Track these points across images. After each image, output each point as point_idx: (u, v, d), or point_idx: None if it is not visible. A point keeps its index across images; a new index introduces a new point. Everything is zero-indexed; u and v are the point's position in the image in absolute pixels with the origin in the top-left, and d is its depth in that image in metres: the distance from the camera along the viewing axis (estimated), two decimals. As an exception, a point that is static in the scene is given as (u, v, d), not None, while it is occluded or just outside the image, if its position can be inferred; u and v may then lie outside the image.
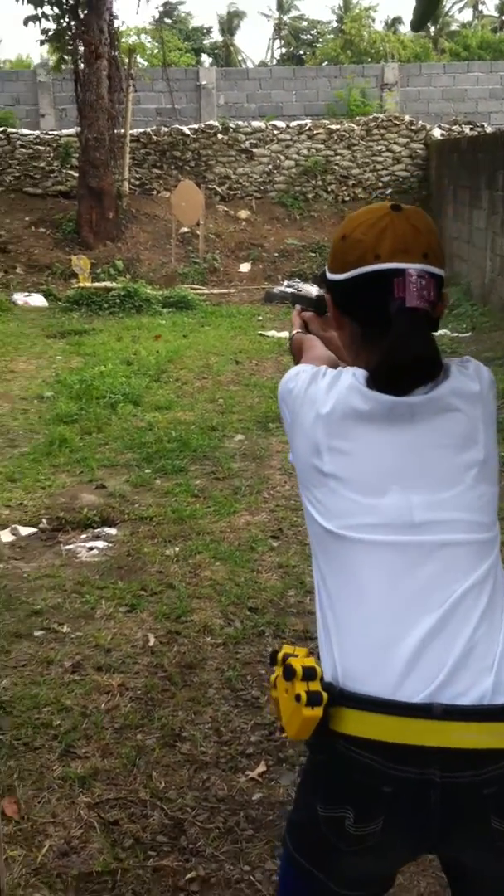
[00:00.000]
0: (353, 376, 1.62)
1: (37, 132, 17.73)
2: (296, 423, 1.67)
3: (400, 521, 1.55)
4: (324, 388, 1.64)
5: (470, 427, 1.60)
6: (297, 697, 1.48)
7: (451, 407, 1.59)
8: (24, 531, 5.26)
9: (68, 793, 3.08)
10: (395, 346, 1.57)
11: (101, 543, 5.09)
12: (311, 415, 1.63)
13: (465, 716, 1.45)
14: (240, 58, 50.30)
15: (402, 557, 1.54)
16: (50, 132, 17.83)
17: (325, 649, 1.58)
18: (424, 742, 1.44)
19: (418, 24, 2.93)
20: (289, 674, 1.51)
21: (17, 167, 17.07)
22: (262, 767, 3.24)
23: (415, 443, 1.58)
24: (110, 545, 5.08)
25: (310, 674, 1.50)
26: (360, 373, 1.62)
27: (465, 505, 1.57)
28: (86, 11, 14.95)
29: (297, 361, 2.01)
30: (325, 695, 1.48)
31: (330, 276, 1.71)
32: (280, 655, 1.57)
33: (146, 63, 27.50)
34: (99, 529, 5.30)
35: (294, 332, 2.14)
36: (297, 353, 2.09)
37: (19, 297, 13.43)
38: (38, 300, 13.47)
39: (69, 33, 15.39)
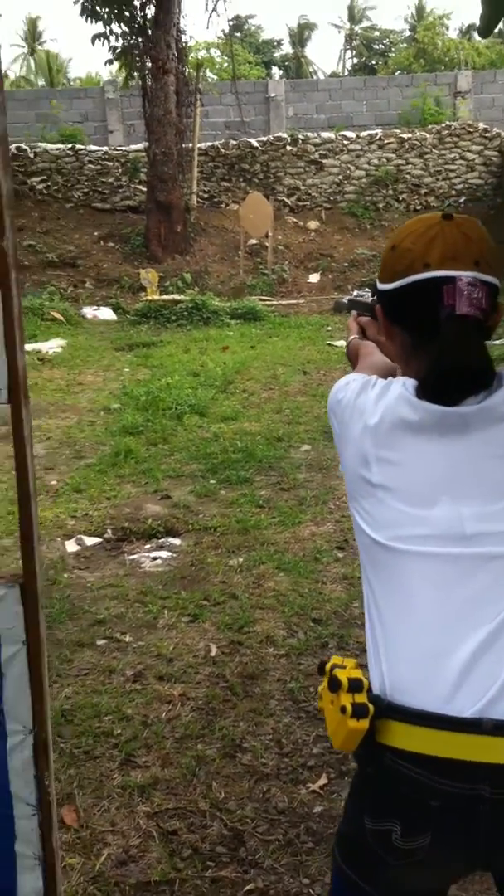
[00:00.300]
0: (402, 386, 1.60)
1: (105, 148, 18.00)
2: (344, 434, 1.66)
3: (451, 533, 1.51)
4: (373, 398, 1.62)
5: None
6: (343, 709, 1.46)
7: None
8: (89, 541, 5.31)
9: (127, 802, 3.08)
10: (444, 354, 1.55)
11: (164, 553, 5.10)
12: (359, 425, 1.61)
13: None
14: (311, 69, 50.40)
15: (453, 569, 1.51)
16: (118, 148, 18.08)
17: (373, 661, 1.55)
18: (474, 757, 1.40)
19: (486, 31, 2.89)
20: (334, 685, 1.49)
21: (86, 183, 17.36)
22: (323, 780, 3.20)
23: (467, 453, 1.55)
24: (174, 555, 5.10)
25: (356, 685, 1.48)
26: (410, 382, 1.60)
27: None
28: (153, 28, 15.13)
29: (354, 367, 1.99)
30: (371, 707, 1.46)
31: (380, 286, 1.69)
32: (328, 666, 1.55)
33: (216, 77, 27.73)
34: (163, 539, 5.32)
35: (350, 338, 2.12)
36: (353, 360, 2.07)
37: (88, 311, 13.63)
38: (106, 314, 13.65)
39: (136, 50, 15.59)
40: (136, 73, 15.98)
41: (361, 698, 1.47)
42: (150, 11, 15.33)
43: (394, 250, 1.64)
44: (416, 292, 1.59)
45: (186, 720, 3.53)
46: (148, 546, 5.26)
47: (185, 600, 4.52)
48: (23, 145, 17.43)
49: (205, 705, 3.64)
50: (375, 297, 1.77)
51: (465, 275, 1.55)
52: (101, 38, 15.75)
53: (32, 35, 48.88)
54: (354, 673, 1.50)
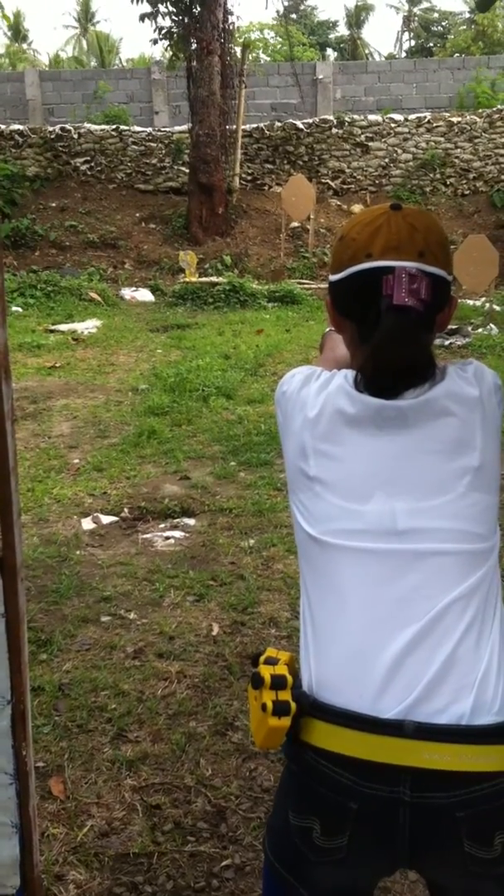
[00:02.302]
0: (344, 378, 1.59)
1: (149, 129, 18.02)
2: (286, 426, 1.64)
3: (383, 528, 1.50)
4: (315, 390, 1.61)
5: (465, 432, 1.54)
6: (264, 707, 1.46)
7: (445, 411, 1.53)
8: (106, 520, 5.37)
9: (115, 775, 3.13)
10: (379, 346, 1.54)
11: (177, 533, 5.15)
12: (300, 417, 1.60)
13: (440, 735, 1.39)
14: (367, 51, 49.82)
15: (384, 566, 1.49)
16: (162, 129, 18.10)
17: (304, 658, 1.55)
18: (394, 760, 1.39)
19: (484, 5, 2.86)
20: (257, 682, 1.49)
21: (129, 164, 17.41)
22: (310, 760, 3.22)
23: (404, 448, 1.53)
24: (187, 535, 5.14)
25: (279, 683, 1.48)
26: (351, 374, 1.59)
27: (455, 513, 1.50)
28: (198, 8, 15.10)
29: None
30: (293, 705, 1.46)
31: (330, 277, 1.69)
32: (262, 658, 1.55)
33: (269, 58, 27.59)
34: (178, 520, 5.36)
35: (327, 329, 2.09)
36: (321, 352, 2.07)
37: (126, 292, 13.70)
38: (144, 295, 13.71)
39: (180, 29, 15.57)
40: (181, 54, 15.97)
41: (284, 696, 1.46)
42: (197, -8, 15.32)
43: (342, 240, 1.63)
44: (359, 283, 1.58)
45: (181, 697, 3.57)
46: (162, 525, 5.31)
47: (192, 580, 4.56)
48: (67, 126, 17.52)
49: (201, 683, 3.67)
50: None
51: (406, 265, 1.53)
52: (149, 18, 15.74)
53: (85, 15, 48.99)
54: (279, 670, 1.50)
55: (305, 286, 14.12)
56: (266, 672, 1.49)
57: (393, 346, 1.53)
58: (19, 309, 12.23)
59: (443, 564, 1.48)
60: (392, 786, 1.40)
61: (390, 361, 1.53)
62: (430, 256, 1.55)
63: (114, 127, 17.61)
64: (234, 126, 16.39)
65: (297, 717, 1.46)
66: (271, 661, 1.53)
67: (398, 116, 18.09)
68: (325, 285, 12.68)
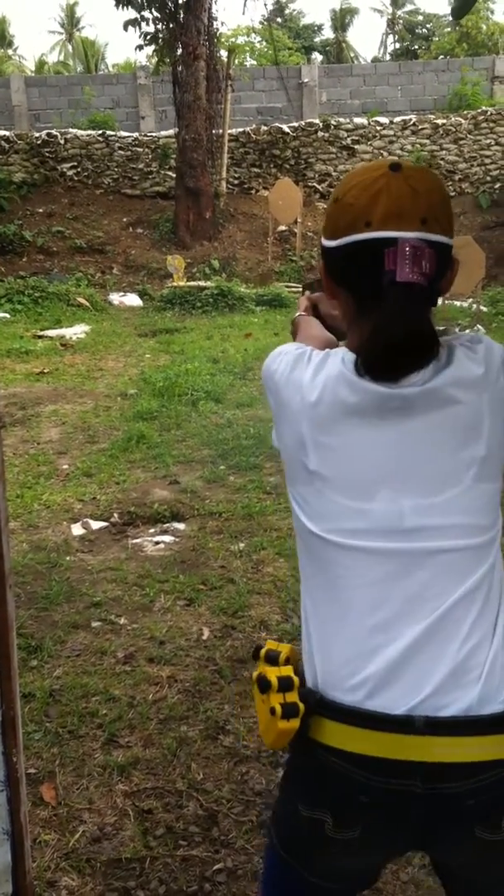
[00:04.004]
0: (341, 362, 1.50)
1: (135, 134, 18.03)
2: (281, 409, 1.56)
3: (389, 527, 1.45)
4: (310, 373, 1.52)
5: (472, 419, 1.47)
6: (272, 710, 1.44)
7: (450, 399, 1.46)
8: (95, 525, 5.36)
9: (107, 780, 3.13)
10: (382, 325, 1.44)
11: (167, 538, 5.15)
12: (296, 400, 1.52)
13: (449, 728, 1.39)
14: (352, 55, 49.86)
15: (391, 565, 1.45)
16: (148, 134, 18.11)
17: (307, 655, 1.52)
18: (405, 756, 1.39)
19: (460, 12, 2.88)
20: (264, 686, 1.47)
21: (116, 169, 17.42)
22: (302, 762, 3.22)
23: (408, 440, 1.46)
24: (177, 540, 5.14)
25: (286, 685, 1.46)
26: (349, 357, 1.49)
27: (463, 508, 1.46)
28: (183, 14, 15.12)
29: None
30: (301, 706, 1.44)
31: (323, 241, 1.57)
32: (263, 652, 1.52)
33: (255, 62, 27.62)
34: (167, 524, 5.36)
35: (297, 314, 2.01)
36: (294, 336, 2.03)
37: (115, 297, 13.72)
38: (133, 300, 13.72)
39: (165, 35, 15.57)
40: (166, 59, 15.98)
41: (292, 697, 1.45)
42: (182, -3, 15.33)
43: (337, 203, 1.51)
44: (357, 254, 1.48)
45: (172, 702, 3.57)
46: (152, 530, 5.30)
47: (182, 584, 4.56)
48: (53, 131, 17.51)
49: (192, 688, 3.67)
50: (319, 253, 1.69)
51: (409, 236, 1.43)
52: (134, 24, 15.74)
53: (71, 21, 48.98)
54: (284, 671, 1.48)
55: (293, 289, 14.12)
56: (272, 675, 1.46)
57: (397, 325, 1.44)
58: (7, 315, 12.22)
59: (450, 561, 1.46)
60: (404, 780, 1.40)
61: (394, 341, 1.44)
62: (433, 222, 1.45)
63: (100, 132, 17.61)
64: (221, 130, 16.41)
65: (306, 715, 1.45)
66: (272, 656, 1.50)
67: (384, 119, 18.14)
68: (312, 288, 12.80)
